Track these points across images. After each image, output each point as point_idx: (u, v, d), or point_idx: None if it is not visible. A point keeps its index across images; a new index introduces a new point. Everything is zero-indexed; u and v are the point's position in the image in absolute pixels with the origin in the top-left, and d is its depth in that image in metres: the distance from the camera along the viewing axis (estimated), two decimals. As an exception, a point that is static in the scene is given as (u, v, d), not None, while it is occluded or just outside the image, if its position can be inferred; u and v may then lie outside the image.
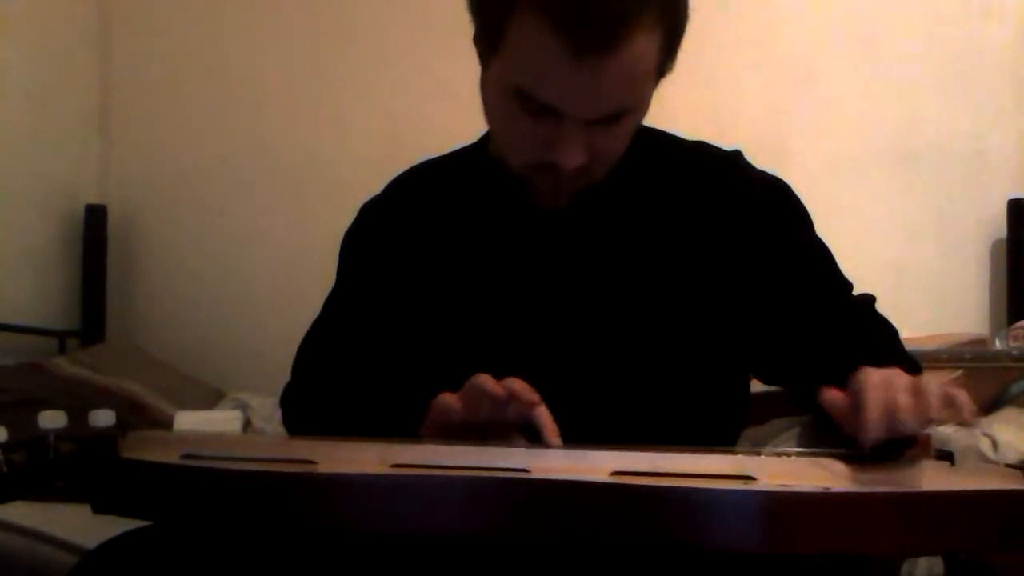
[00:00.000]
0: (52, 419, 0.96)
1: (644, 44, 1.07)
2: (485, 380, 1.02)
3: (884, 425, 0.91)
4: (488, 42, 1.13)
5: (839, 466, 0.91)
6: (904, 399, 0.92)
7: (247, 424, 2.62)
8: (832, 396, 0.97)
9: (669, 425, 1.17)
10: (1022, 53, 2.72)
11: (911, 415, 0.91)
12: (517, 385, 1.02)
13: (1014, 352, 2.28)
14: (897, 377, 0.96)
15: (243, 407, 2.69)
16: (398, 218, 1.32)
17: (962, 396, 0.93)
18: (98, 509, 0.96)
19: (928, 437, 0.97)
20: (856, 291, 1.27)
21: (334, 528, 0.94)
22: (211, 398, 2.83)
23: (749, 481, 0.88)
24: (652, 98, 1.17)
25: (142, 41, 3.20)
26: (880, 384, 0.94)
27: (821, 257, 1.26)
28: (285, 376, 2.67)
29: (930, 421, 0.92)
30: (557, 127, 1.11)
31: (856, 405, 0.94)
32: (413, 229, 1.30)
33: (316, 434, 1.21)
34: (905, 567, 1.75)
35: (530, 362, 1.19)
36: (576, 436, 0.98)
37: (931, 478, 0.90)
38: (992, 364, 2.26)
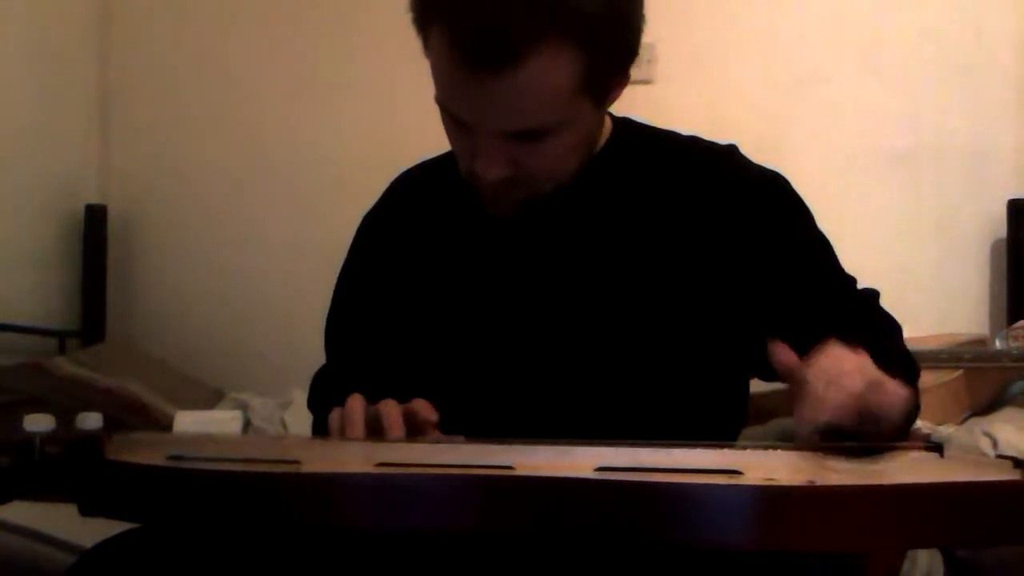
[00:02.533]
0: (38, 422, 0.96)
1: (547, 65, 1.04)
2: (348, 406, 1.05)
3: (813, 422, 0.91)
4: (423, 48, 1.13)
5: (827, 460, 0.91)
6: (823, 391, 0.93)
7: (247, 424, 2.62)
8: (784, 354, 0.97)
9: (666, 423, 1.16)
10: (1022, 53, 2.72)
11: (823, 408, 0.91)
12: (350, 404, 1.05)
13: (1014, 352, 2.28)
14: (840, 363, 0.95)
15: (243, 407, 2.69)
16: (392, 224, 1.33)
17: (882, 408, 0.93)
18: (85, 511, 0.96)
19: (927, 436, 0.96)
20: (857, 282, 1.26)
21: (320, 527, 0.94)
22: (211, 398, 2.83)
23: (735, 476, 0.87)
24: (595, 117, 1.17)
25: (142, 41, 3.20)
26: (821, 373, 0.94)
27: (820, 250, 1.25)
28: (285, 376, 2.68)
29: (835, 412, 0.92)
30: (475, 139, 1.12)
31: (799, 389, 0.94)
32: (409, 231, 1.30)
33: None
34: (905, 567, 1.75)
35: (523, 362, 1.20)
36: (572, 435, 0.98)
37: (920, 470, 0.89)
38: (992, 364, 2.27)
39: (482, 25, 1.03)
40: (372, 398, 1.08)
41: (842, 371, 0.94)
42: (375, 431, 1.03)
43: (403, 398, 1.14)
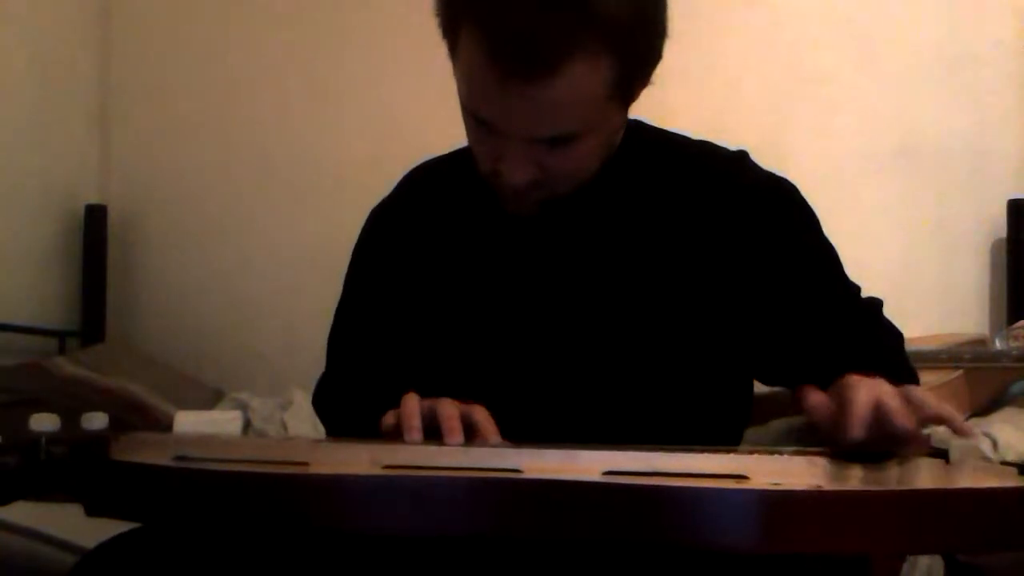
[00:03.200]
0: (44, 422, 0.96)
1: (581, 74, 1.04)
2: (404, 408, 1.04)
3: (870, 425, 0.91)
4: (449, 51, 1.13)
5: (833, 464, 0.91)
6: (894, 402, 0.92)
7: (247, 424, 2.61)
8: (815, 398, 0.96)
9: (669, 426, 1.17)
10: (1022, 53, 2.72)
11: (901, 416, 0.91)
12: (407, 407, 1.04)
13: (1014, 352, 2.27)
14: (884, 384, 0.95)
15: (243, 407, 2.68)
16: (404, 220, 1.33)
17: (951, 411, 0.93)
18: (91, 511, 0.97)
19: (927, 438, 0.97)
20: (861, 291, 1.27)
21: (326, 529, 0.94)
22: (211, 398, 2.82)
23: (742, 480, 0.88)
24: (618, 120, 1.17)
25: (142, 41, 3.20)
26: (868, 387, 0.94)
27: (826, 259, 1.25)
28: (285, 376, 2.67)
29: (921, 424, 0.92)
30: (502, 142, 1.11)
31: (841, 405, 0.93)
32: (422, 228, 1.31)
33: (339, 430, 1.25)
34: (905, 569, 1.75)
35: (528, 363, 1.20)
36: (575, 438, 0.98)
37: (926, 476, 0.90)
38: (992, 364, 2.26)
39: (519, 33, 1.02)
40: (387, 395, 1.08)
41: (880, 387, 0.95)
42: (431, 431, 1.02)
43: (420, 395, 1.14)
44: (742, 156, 1.27)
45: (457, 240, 1.27)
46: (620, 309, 1.19)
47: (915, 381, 1.19)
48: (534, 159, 1.11)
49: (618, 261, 1.21)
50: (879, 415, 0.91)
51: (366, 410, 1.18)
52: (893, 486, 0.87)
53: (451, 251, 1.27)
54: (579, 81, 1.04)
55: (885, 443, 0.92)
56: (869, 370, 0.98)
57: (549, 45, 1.02)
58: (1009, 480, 0.87)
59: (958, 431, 0.93)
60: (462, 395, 1.07)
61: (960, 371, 2.23)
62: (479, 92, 1.08)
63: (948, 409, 0.93)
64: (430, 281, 1.27)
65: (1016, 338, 2.33)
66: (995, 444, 1.92)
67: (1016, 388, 2.18)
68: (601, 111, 1.10)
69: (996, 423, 2.01)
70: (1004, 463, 0.90)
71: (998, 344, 2.35)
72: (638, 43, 1.08)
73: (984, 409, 2.16)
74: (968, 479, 0.89)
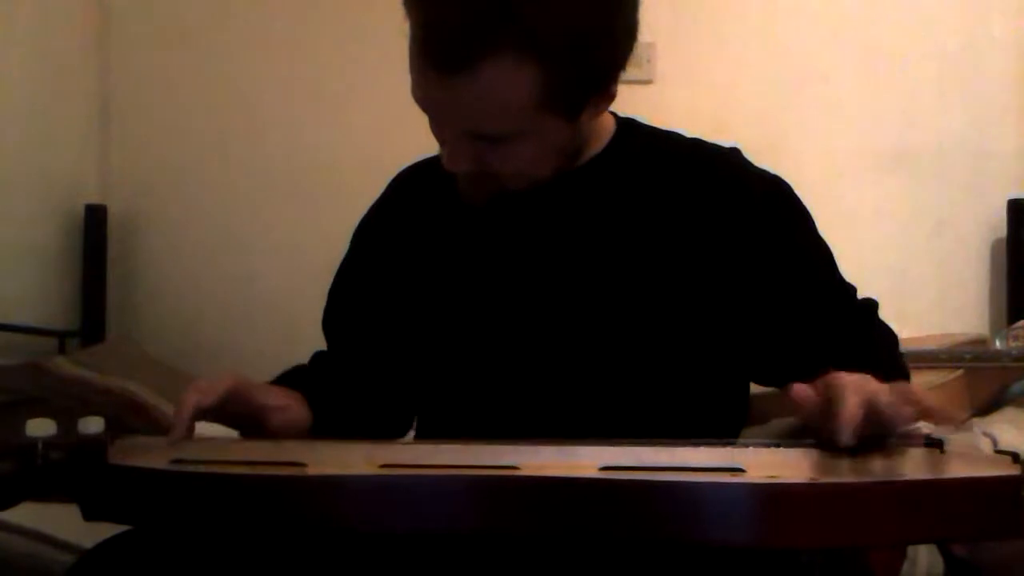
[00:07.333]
0: (40, 427, 0.96)
1: (499, 77, 1.05)
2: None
3: (863, 424, 0.90)
4: None
5: (828, 456, 0.91)
6: (886, 398, 0.92)
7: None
8: (802, 392, 0.96)
9: (662, 423, 1.16)
10: (1022, 53, 2.72)
11: (896, 414, 0.91)
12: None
13: (1014, 352, 2.28)
14: (871, 381, 0.95)
15: (243, 407, 2.68)
16: (391, 216, 1.34)
17: (941, 410, 0.94)
18: (89, 516, 0.97)
19: (919, 432, 0.97)
20: (857, 292, 1.27)
21: (325, 529, 0.94)
22: (211, 398, 2.81)
23: (738, 473, 0.88)
24: (568, 130, 1.15)
25: (142, 42, 3.20)
26: (856, 387, 0.93)
27: (819, 258, 1.25)
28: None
29: (913, 419, 0.92)
30: (442, 129, 1.14)
31: (829, 404, 0.93)
32: (404, 226, 1.31)
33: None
34: (905, 567, 1.75)
35: (518, 359, 1.20)
36: (569, 434, 0.98)
37: (921, 466, 0.90)
38: (992, 364, 2.27)
39: (442, 28, 1.05)
40: (368, 388, 1.07)
41: (869, 386, 0.95)
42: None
43: (401, 392, 1.13)
44: (735, 152, 1.27)
45: (441, 236, 1.28)
46: (608, 303, 1.19)
47: (906, 379, 1.19)
48: (471, 152, 1.13)
49: (606, 257, 1.21)
50: (871, 415, 0.91)
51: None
52: (888, 477, 0.88)
53: (435, 248, 1.28)
54: (496, 84, 1.05)
55: (876, 439, 0.92)
56: (863, 371, 0.98)
57: (467, 44, 1.04)
58: (1004, 469, 0.87)
59: (941, 422, 0.93)
60: (450, 393, 1.08)
61: (960, 371, 2.24)
62: (414, 80, 1.11)
63: (931, 401, 0.93)
64: (414, 278, 1.28)
65: (1016, 338, 2.33)
66: (995, 444, 1.91)
67: (1016, 388, 2.18)
68: (530, 118, 1.10)
69: (996, 423, 2.01)
70: (999, 452, 0.91)
71: (998, 344, 2.35)
72: (571, 55, 1.07)
73: (984, 409, 2.16)
74: (963, 468, 0.89)
